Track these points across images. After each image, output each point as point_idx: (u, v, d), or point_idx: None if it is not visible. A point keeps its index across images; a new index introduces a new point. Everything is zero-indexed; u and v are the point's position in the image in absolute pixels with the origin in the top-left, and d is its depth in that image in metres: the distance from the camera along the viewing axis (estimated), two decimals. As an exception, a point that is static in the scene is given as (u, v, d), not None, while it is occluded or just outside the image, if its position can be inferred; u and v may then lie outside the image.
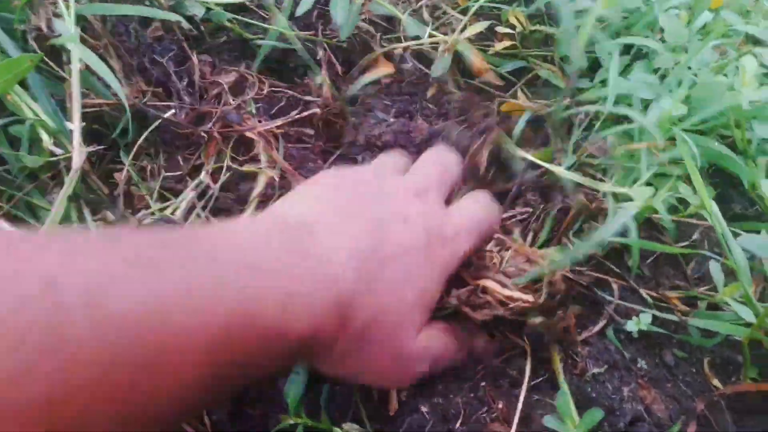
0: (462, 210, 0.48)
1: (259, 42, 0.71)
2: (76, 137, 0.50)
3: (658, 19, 0.64)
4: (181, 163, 0.63)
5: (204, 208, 0.56)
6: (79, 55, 0.51)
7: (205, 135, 0.59)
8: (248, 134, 0.57)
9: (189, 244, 0.31)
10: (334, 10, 0.63)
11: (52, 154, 0.55)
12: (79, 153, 0.49)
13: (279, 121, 0.61)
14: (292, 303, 0.32)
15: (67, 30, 0.53)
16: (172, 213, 0.57)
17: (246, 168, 0.58)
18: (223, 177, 0.58)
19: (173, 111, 0.58)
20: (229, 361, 0.29)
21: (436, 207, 0.46)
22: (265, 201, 0.57)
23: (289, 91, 0.69)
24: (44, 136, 0.54)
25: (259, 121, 0.63)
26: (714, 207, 0.50)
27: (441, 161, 0.53)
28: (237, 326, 0.29)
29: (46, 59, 0.58)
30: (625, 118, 0.66)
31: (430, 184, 0.47)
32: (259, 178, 0.57)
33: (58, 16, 0.55)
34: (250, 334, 0.30)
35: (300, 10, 0.63)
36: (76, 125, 0.50)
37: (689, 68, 0.58)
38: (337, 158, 0.68)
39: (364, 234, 0.38)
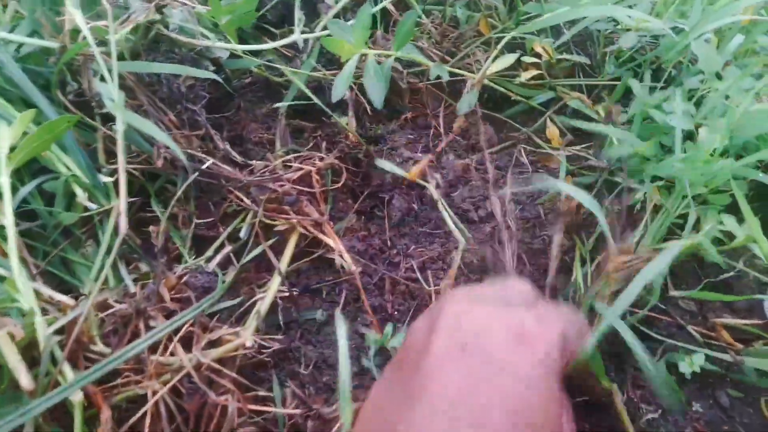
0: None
1: (286, 83, 0.71)
2: (123, 204, 0.49)
3: (690, 46, 0.63)
4: (212, 208, 0.63)
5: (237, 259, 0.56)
6: (124, 119, 0.51)
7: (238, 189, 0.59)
8: (279, 188, 0.57)
9: None
10: (370, 89, 0.62)
11: (86, 209, 0.55)
12: (124, 222, 0.48)
13: (308, 166, 0.60)
14: None
15: (107, 92, 0.53)
16: (207, 262, 0.56)
17: (280, 224, 0.57)
18: (255, 229, 0.57)
19: (211, 161, 0.58)
20: None
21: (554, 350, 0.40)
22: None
23: (316, 132, 0.69)
24: (78, 192, 0.54)
25: (289, 165, 0.62)
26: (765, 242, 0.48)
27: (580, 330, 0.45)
28: None
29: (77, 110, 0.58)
30: (661, 147, 0.65)
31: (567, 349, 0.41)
32: (291, 237, 0.56)
33: (95, 72, 0.56)
34: None
35: (335, 97, 0.62)
36: (122, 195, 0.49)
37: (727, 97, 0.57)
38: (367, 197, 0.67)
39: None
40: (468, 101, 0.70)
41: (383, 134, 0.71)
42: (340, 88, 0.63)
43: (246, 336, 0.47)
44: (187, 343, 0.51)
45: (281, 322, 0.56)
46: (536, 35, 0.73)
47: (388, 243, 0.63)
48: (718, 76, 0.65)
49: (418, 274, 0.60)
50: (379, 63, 0.65)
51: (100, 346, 0.47)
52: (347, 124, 0.68)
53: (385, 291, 0.59)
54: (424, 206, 0.66)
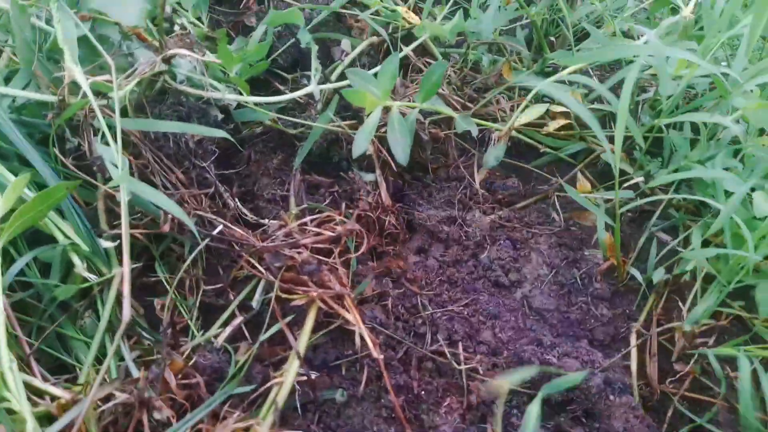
0: None
1: (300, 134, 0.66)
2: (126, 288, 0.45)
3: (732, 100, 0.59)
4: (221, 273, 0.58)
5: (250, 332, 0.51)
6: (128, 188, 0.47)
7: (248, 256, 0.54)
8: (297, 255, 0.52)
9: None
10: (394, 144, 0.58)
11: (85, 280, 0.50)
12: (127, 307, 0.43)
13: (328, 231, 0.55)
14: None
15: (110, 155, 0.48)
16: (215, 337, 0.51)
17: (298, 297, 0.52)
18: (268, 304, 0.52)
19: (221, 227, 0.53)
20: None
21: None
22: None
23: (333, 188, 0.64)
24: (77, 261, 0.50)
25: (305, 227, 0.57)
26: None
27: None
28: None
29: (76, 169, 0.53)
30: (704, 205, 0.61)
31: None
32: (310, 311, 0.51)
33: (96, 131, 0.51)
34: None
35: (356, 152, 0.58)
36: (126, 267, 0.45)
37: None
38: (390, 258, 0.62)
39: None
40: (495, 155, 0.65)
41: (406, 191, 0.67)
42: (362, 143, 0.58)
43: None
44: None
45: (298, 404, 0.51)
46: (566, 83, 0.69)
47: (414, 311, 0.58)
48: (761, 132, 0.61)
49: (446, 349, 0.55)
50: (403, 115, 0.61)
51: (97, 444, 0.42)
52: (376, 183, 0.63)
53: (411, 367, 0.54)
54: (455, 269, 0.61)
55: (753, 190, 0.54)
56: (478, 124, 0.66)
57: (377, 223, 0.62)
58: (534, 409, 0.44)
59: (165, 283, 0.55)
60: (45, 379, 0.46)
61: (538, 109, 0.66)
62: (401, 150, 0.59)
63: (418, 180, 0.70)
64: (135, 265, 0.56)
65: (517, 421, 0.51)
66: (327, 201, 0.63)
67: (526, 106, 0.65)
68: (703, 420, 0.48)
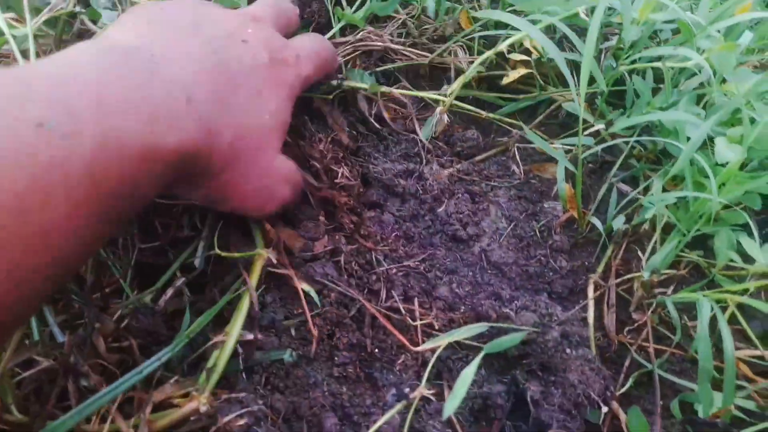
0: (298, 41, 0.50)
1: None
2: None
3: (696, 43, 0.57)
4: (160, 230, 0.54)
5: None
6: None
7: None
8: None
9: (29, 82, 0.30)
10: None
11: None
12: None
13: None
14: (157, 123, 0.33)
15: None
16: (153, 300, 0.48)
17: (240, 255, 0.48)
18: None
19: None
20: (110, 191, 0.31)
21: (275, 33, 0.47)
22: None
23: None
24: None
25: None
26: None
27: (278, 4, 0.53)
28: (109, 153, 0.30)
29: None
30: (664, 155, 0.59)
31: (266, 15, 0.49)
32: (256, 262, 0.48)
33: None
34: (124, 158, 0.31)
35: None
36: None
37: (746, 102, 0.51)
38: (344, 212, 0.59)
39: (205, 54, 0.39)
40: (428, 130, 0.62)
41: (361, 144, 0.63)
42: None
43: (200, 402, 0.39)
44: (128, 401, 0.42)
45: (241, 366, 0.48)
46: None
47: (368, 268, 0.55)
48: (724, 79, 0.59)
49: (401, 305, 0.53)
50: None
51: (16, 415, 0.38)
52: (336, 122, 0.59)
53: (364, 325, 0.52)
54: (411, 224, 0.58)
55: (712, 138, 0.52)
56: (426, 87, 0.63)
57: (328, 175, 0.59)
58: (470, 372, 0.42)
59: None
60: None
61: (470, 72, 0.62)
62: None
63: (374, 132, 0.66)
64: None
65: (474, 377, 0.49)
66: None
67: (488, 59, 0.61)
68: (654, 366, 0.47)
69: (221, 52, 0.40)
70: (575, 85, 0.50)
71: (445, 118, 0.60)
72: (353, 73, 0.60)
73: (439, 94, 0.64)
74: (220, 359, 0.43)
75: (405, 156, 0.64)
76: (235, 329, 0.45)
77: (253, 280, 0.47)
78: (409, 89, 0.68)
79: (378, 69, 0.69)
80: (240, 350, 0.46)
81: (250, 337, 0.47)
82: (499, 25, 0.68)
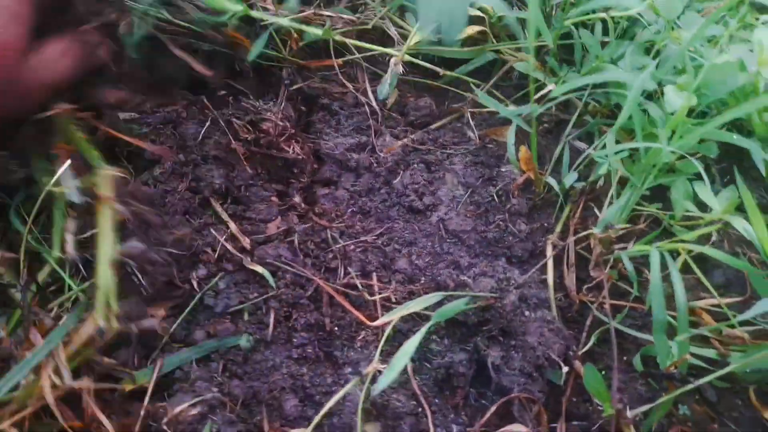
0: None
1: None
2: None
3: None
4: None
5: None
6: None
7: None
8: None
9: None
10: None
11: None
12: None
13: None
14: None
15: None
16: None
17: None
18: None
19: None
20: None
21: None
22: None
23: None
24: None
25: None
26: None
27: None
28: None
29: None
30: (619, 109, 0.58)
31: None
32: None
33: None
34: None
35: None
36: None
37: (690, 48, 0.50)
38: (296, 192, 0.58)
39: None
40: (387, 88, 0.61)
41: (312, 119, 0.61)
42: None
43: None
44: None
45: (194, 358, 0.46)
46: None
47: (324, 246, 0.54)
48: (673, 26, 0.58)
49: (358, 281, 0.51)
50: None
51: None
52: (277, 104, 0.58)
53: (322, 304, 0.50)
54: (367, 198, 0.57)
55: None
56: (368, 50, 0.62)
57: (278, 152, 0.57)
58: (412, 342, 0.41)
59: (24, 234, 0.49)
60: None
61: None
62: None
63: (323, 108, 0.64)
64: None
65: (437, 347, 0.48)
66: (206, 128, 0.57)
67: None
68: (614, 321, 0.46)
69: None
70: (525, 40, 0.48)
71: (400, 69, 0.58)
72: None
73: (391, 50, 0.62)
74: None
75: (357, 129, 0.62)
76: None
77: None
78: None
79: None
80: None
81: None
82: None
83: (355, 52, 0.65)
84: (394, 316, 0.46)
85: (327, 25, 0.59)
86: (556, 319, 0.48)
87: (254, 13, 0.59)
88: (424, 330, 0.43)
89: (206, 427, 0.40)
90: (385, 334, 0.45)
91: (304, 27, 0.61)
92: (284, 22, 0.60)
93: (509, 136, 0.53)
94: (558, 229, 0.54)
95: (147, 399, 0.42)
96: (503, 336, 0.47)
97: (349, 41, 0.62)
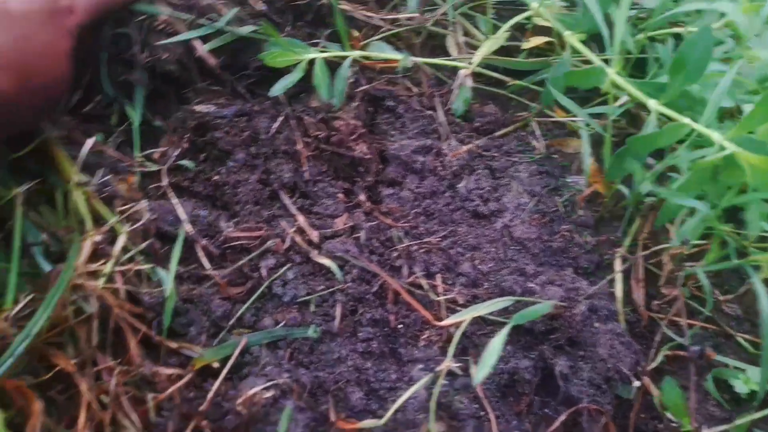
0: None
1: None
2: None
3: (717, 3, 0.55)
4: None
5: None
6: None
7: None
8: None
9: None
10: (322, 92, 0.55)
11: None
12: None
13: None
14: None
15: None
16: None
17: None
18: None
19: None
20: None
21: None
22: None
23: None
24: None
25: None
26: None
27: None
28: None
29: None
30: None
31: None
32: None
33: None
34: None
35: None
36: None
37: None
38: (362, 190, 0.58)
39: None
40: (463, 99, 0.61)
41: (377, 121, 0.62)
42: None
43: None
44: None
45: (264, 342, 0.47)
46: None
47: (389, 245, 0.54)
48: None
49: (423, 281, 0.52)
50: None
51: None
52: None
53: (387, 301, 0.51)
54: (431, 201, 0.57)
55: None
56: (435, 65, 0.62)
57: (346, 151, 0.58)
58: (498, 342, 0.41)
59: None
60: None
61: (500, 34, 0.61)
62: (326, 93, 0.55)
63: (388, 111, 0.65)
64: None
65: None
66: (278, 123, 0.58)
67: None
68: (685, 339, 0.46)
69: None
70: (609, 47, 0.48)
71: (469, 82, 0.58)
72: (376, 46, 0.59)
73: (459, 61, 0.63)
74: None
75: (422, 133, 0.63)
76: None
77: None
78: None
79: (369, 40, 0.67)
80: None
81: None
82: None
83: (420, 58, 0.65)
84: (464, 317, 0.46)
85: (404, 58, 0.60)
86: (626, 333, 0.47)
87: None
88: (505, 332, 0.43)
89: (284, 411, 0.41)
90: (457, 334, 0.45)
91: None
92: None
93: (583, 143, 0.53)
94: (626, 242, 0.54)
95: (222, 377, 0.42)
96: (571, 346, 0.47)
97: (421, 60, 0.63)
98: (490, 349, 0.42)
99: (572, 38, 0.55)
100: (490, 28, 0.67)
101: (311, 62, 0.59)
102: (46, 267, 0.42)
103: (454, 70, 0.69)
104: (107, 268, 0.41)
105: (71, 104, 0.56)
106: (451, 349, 0.45)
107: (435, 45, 0.72)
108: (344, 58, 0.57)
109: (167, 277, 0.46)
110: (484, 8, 0.69)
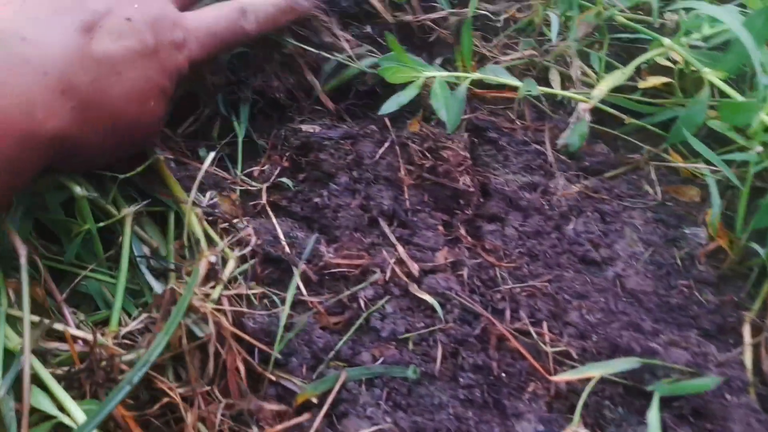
0: (193, 18, 0.45)
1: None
2: None
3: None
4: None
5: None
6: None
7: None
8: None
9: None
10: (441, 114, 0.53)
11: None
12: None
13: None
14: (34, 108, 0.33)
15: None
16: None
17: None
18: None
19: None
20: None
21: (167, 6, 0.42)
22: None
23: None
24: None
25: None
26: None
27: None
28: None
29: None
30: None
31: None
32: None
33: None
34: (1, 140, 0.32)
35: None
36: None
37: None
38: (464, 223, 0.56)
39: (81, 36, 0.36)
40: (579, 133, 0.58)
41: (479, 152, 0.60)
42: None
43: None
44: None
45: (363, 379, 0.45)
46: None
47: (491, 285, 0.52)
48: None
49: (531, 328, 0.49)
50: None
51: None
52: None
53: (490, 346, 0.48)
54: (536, 241, 0.54)
55: None
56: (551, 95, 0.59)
57: (449, 182, 0.56)
58: (653, 418, 0.38)
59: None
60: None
61: (627, 70, 0.57)
62: (446, 115, 0.52)
63: (491, 142, 0.63)
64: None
65: (610, 414, 0.44)
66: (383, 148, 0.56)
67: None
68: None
69: (100, 31, 0.37)
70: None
71: (588, 117, 0.55)
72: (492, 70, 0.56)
73: (579, 94, 0.60)
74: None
75: (527, 168, 0.60)
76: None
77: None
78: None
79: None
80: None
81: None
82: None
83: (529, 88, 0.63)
84: (583, 374, 0.43)
85: (525, 85, 0.57)
86: (761, 409, 0.43)
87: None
88: (656, 407, 0.39)
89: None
90: (584, 395, 0.42)
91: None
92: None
93: (712, 192, 0.49)
94: (756, 306, 0.49)
95: (322, 413, 0.40)
96: (696, 417, 0.43)
97: (541, 90, 0.60)
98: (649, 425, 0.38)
99: (712, 76, 0.51)
100: (603, 65, 0.64)
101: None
102: (156, 286, 0.41)
103: (558, 105, 0.67)
104: (216, 291, 0.40)
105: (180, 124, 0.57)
106: (578, 413, 0.41)
107: (537, 79, 0.69)
108: (461, 79, 0.55)
109: (283, 303, 0.44)
110: (598, 45, 0.66)
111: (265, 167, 0.58)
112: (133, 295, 0.46)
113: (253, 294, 0.45)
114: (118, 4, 0.39)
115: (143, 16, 0.39)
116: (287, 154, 0.58)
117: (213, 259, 0.39)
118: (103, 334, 0.38)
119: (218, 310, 0.39)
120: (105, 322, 0.43)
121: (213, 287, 0.40)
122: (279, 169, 0.58)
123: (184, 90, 0.53)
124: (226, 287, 0.42)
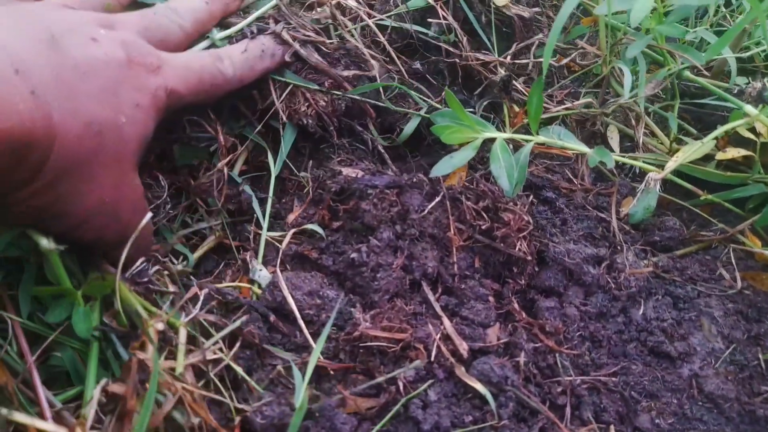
0: (172, 55, 0.42)
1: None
2: None
3: None
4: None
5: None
6: None
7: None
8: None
9: None
10: (500, 179, 0.47)
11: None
12: None
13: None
14: None
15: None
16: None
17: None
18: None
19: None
20: None
21: (139, 39, 0.40)
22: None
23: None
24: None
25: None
26: None
27: (153, 17, 0.44)
28: None
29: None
30: None
31: (131, 24, 0.42)
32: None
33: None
34: None
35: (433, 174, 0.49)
36: None
37: None
38: (515, 297, 0.49)
39: (41, 32, 0.34)
40: (645, 205, 0.51)
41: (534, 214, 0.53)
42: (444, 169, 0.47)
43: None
44: None
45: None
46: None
47: (549, 374, 0.45)
48: None
49: (596, 425, 0.41)
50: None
51: None
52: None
53: (549, 449, 0.41)
54: (600, 324, 0.47)
55: None
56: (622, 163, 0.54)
57: (505, 247, 0.49)
58: None
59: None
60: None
61: (708, 141, 0.51)
62: (507, 182, 0.46)
63: (547, 203, 0.57)
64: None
65: None
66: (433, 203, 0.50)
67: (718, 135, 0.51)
68: None
69: (62, 39, 0.34)
70: None
71: (658, 188, 0.49)
72: (554, 130, 0.51)
73: (649, 162, 0.54)
74: None
75: (589, 237, 0.54)
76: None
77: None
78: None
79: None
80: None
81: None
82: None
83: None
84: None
85: (595, 152, 0.51)
86: None
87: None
88: None
89: None
90: None
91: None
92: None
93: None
94: None
95: None
96: None
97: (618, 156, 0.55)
98: None
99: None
100: (676, 129, 0.58)
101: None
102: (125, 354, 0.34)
103: (620, 167, 0.61)
104: (179, 364, 0.33)
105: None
106: None
107: (590, 135, 0.64)
108: (525, 141, 0.48)
109: (299, 383, 0.37)
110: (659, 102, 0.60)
111: (297, 212, 0.52)
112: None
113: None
114: (82, 26, 0.37)
115: (111, 38, 0.38)
116: (325, 199, 0.51)
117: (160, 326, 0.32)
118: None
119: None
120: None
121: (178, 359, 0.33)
122: (312, 213, 0.51)
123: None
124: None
